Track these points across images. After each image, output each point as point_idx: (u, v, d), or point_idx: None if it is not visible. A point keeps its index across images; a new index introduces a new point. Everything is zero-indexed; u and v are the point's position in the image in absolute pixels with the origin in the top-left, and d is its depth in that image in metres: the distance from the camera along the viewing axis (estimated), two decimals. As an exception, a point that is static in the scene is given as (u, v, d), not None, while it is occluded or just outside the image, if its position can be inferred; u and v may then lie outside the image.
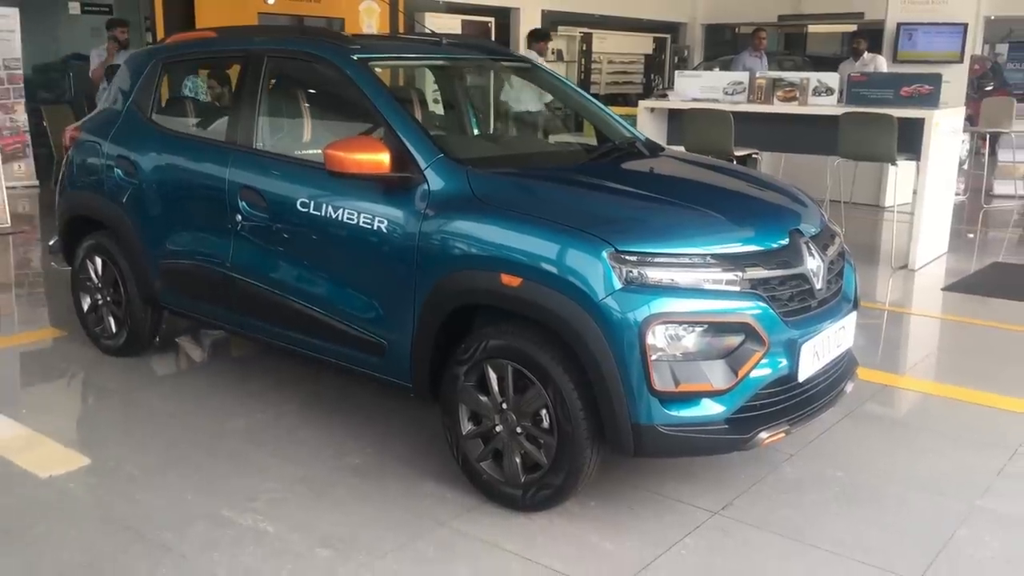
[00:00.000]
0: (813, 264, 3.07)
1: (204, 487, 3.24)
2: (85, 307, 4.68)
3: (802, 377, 2.99)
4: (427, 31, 4.84)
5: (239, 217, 3.75)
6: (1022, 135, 10.53)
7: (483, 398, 3.05)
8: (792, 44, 20.25)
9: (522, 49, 10.43)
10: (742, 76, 7.80)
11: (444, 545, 2.88)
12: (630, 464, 3.31)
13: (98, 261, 4.53)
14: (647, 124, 7.75)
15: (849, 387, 3.34)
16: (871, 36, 12.07)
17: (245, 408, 3.96)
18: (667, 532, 2.97)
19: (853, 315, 3.35)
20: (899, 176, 7.59)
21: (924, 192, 6.73)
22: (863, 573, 2.77)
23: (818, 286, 3.08)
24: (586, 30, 15.87)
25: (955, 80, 11.36)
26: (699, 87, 7.91)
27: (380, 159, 3.19)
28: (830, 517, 3.10)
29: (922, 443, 3.74)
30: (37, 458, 3.46)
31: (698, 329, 2.75)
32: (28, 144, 10.08)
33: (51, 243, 5.01)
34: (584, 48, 16.04)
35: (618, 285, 2.74)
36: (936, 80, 6.89)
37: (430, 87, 5.67)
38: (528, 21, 14.39)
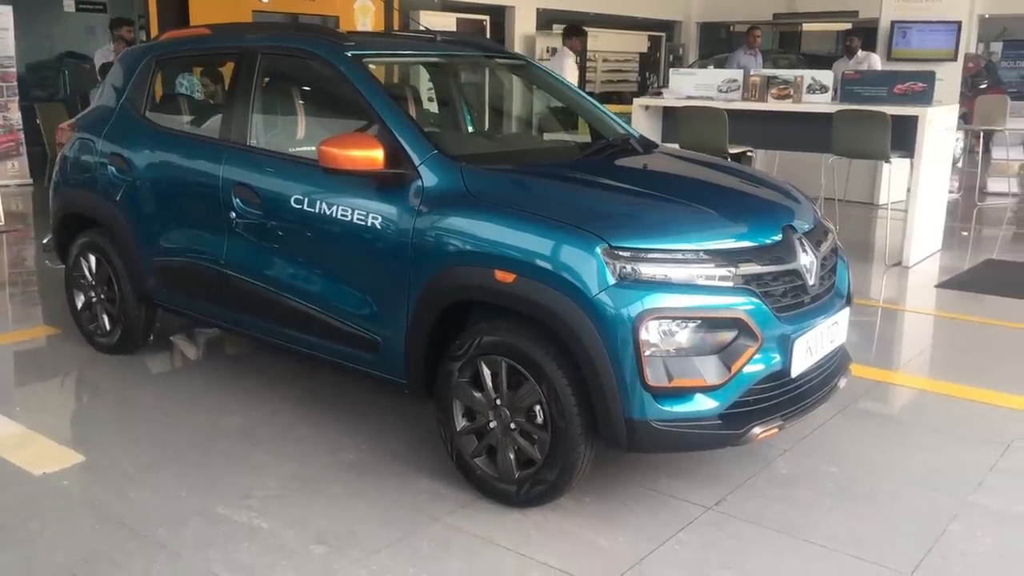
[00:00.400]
0: (806, 260, 3.08)
1: (199, 484, 3.24)
2: (79, 305, 4.67)
3: (795, 373, 2.99)
4: (422, 28, 4.83)
5: (233, 214, 3.75)
6: (1016, 133, 10.56)
7: (477, 394, 3.06)
8: (787, 42, 20.27)
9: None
10: (737, 74, 7.81)
11: (439, 541, 2.89)
12: (624, 460, 3.32)
13: (92, 259, 4.52)
14: (642, 122, 7.76)
15: (842, 383, 3.35)
16: (865, 34, 12.10)
17: (239, 405, 3.95)
18: (661, 527, 2.98)
19: (846, 311, 3.36)
20: (893, 174, 7.60)
21: (918, 190, 6.74)
22: (856, 568, 2.78)
23: (811, 282, 3.09)
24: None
25: (949, 78, 11.38)
26: (694, 85, 7.92)
27: (374, 155, 3.18)
28: (823, 512, 3.11)
29: (915, 439, 3.75)
30: (31, 455, 3.46)
31: (691, 325, 2.76)
32: (22, 142, 10.06)
33: (45, 241, 5.00)
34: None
35: (611, 281, 2.75)
36: (930, 78, 6.90)
37: (424, 84, 5.66)
38: (523, 19, 14.40)
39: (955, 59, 12.47)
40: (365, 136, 3.37)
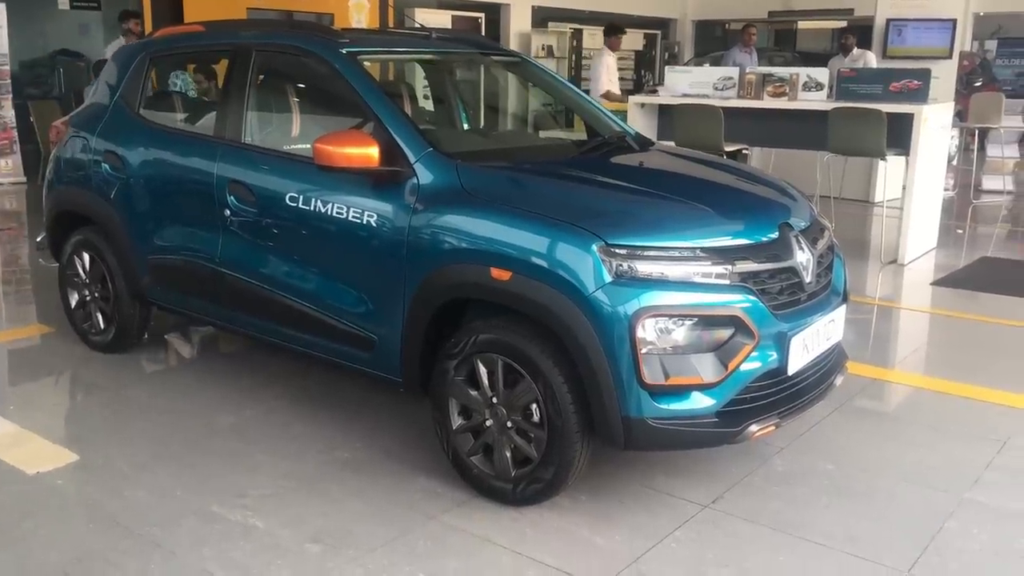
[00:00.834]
0: (802, 257, 3.07)
1: (193, 483, 3.23)
2: (73, 303, 4.65)
3: (792, 370, 2.99)
4: (417, 25, 4.82)
5: (228, 212, 3.74)
6: (1011, 131, 10.58)
7: (473, 392, 3.05)
8: (782, 40, 20.27)
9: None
10: (732, 72, 7.81)
11: (435, 539, 2.88)
12: (620, 458, 3.31)
13: (86, 257, 4.50)
14: (637, 120, 7.76)
15: (839, 380, 3.35)
16: (860, 32, 12.10)
17: (234, 404, 3.94)
18: (657, 525, 2.97)
19: (843, 308, 3.35)
20: (888, 171, 7.61)
21: (913, 187, 6.75)
22: (853, 565, 2.78)
23: (807, 279, 3.08)
24: (576, 26, 15.85)
25: (944, 76, 11.41)
26: (689, 83, 7.92)
27: (369, 153, 3.17)
28: (820, 510, 3.11)
29: (911, 436, 3.75)
30: (25, 454, 3.44)
31: (688, 322, 2.75)
32: (15, 140, 10.03)
33: (38, 239, 4.98)
34: (575, 44, 16.01)
35: (608, 278, 2.74)
36: (925, 76, 6.91)
37: (420, 81, 5.65)
38: (518, 17, 14.40)
39: (950, 57, 12.51)
40: (360, 134, 3.35)
